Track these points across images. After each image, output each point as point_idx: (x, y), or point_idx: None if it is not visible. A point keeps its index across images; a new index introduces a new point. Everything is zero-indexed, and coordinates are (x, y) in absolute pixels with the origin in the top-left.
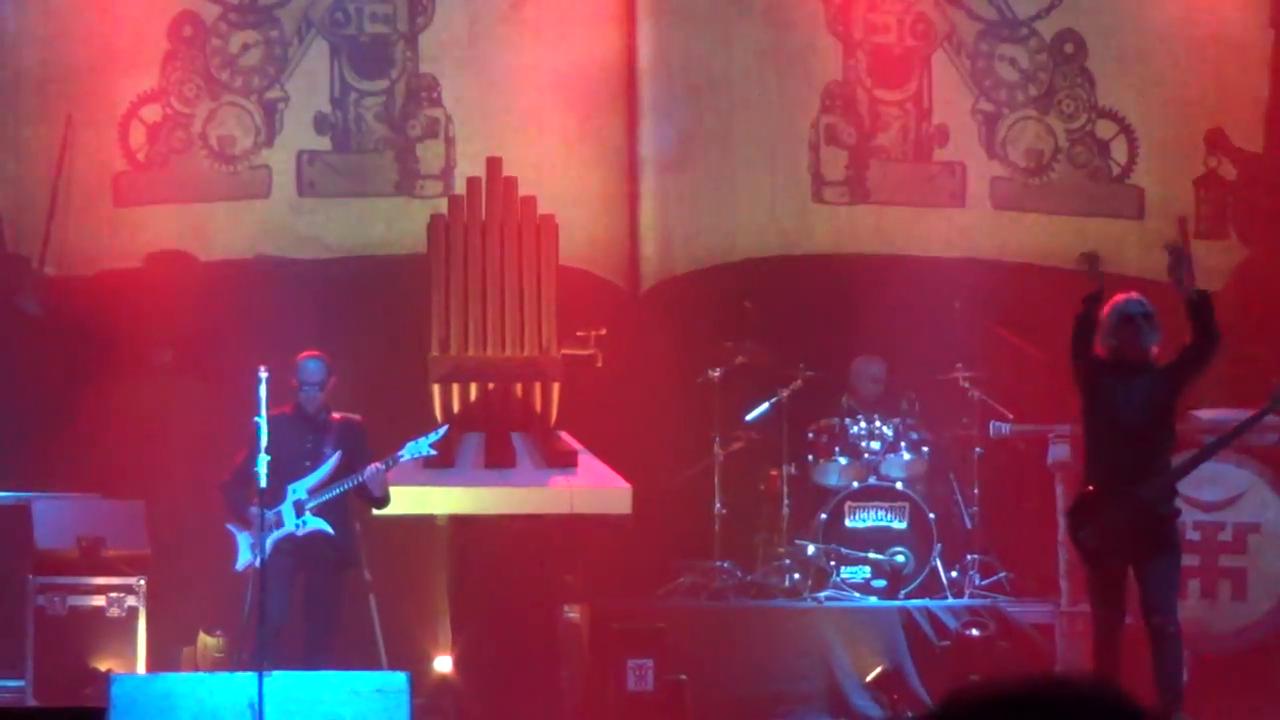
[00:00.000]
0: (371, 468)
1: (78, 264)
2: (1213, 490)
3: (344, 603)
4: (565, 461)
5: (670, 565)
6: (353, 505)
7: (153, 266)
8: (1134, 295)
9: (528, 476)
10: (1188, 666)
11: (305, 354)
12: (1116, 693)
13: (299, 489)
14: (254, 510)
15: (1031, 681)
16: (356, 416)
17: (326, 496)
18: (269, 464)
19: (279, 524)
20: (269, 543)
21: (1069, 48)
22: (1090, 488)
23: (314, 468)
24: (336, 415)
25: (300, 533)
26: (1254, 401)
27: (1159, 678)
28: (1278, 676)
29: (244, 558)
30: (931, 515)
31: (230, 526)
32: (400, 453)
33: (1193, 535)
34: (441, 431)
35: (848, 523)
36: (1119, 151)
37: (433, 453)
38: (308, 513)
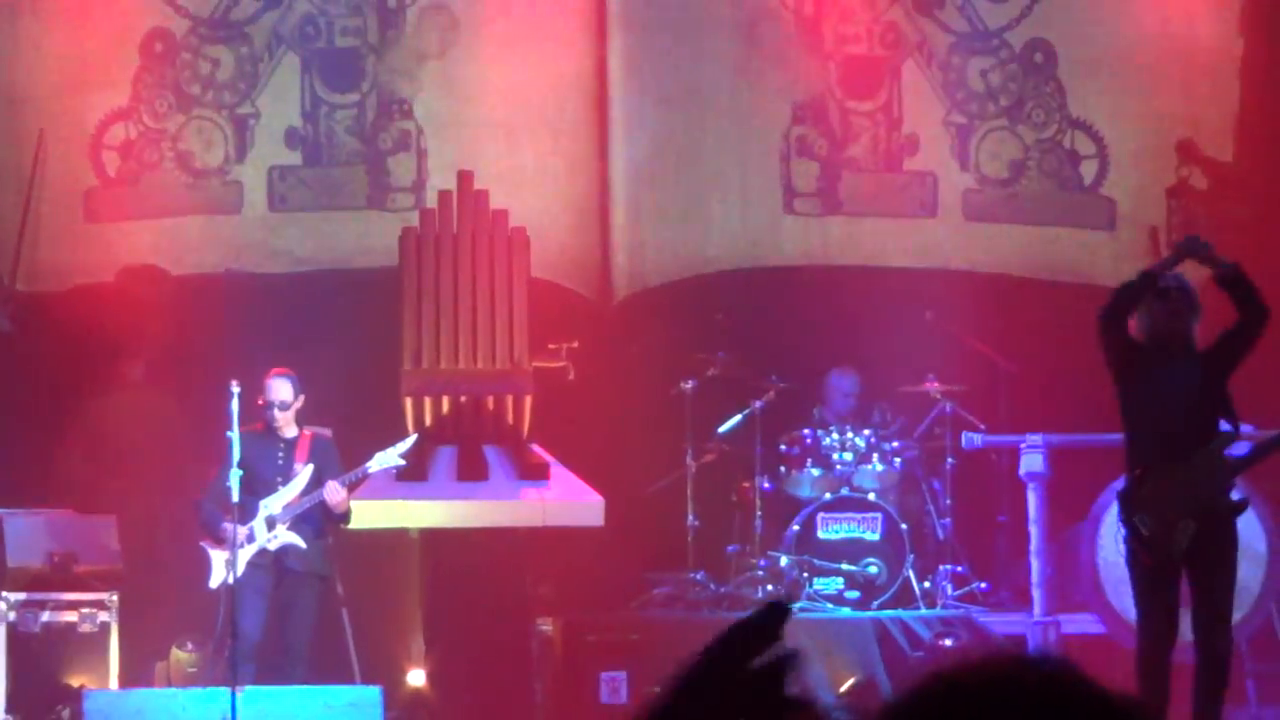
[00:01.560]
0: (329, 485)
1: (50, 280)
2: None
3: (317, 617)
4: (537, 474)
5: (643, 577)
6: (326, 520)
7: (124, 282)
8: (1174, 273)
9: (500, 489)
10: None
11: (275, 372)
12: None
13: (271, 504)
14: (227, 526)
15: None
16: (326, 431)
17: (298, 511)
18: (241, 480)
19: (251, 539)
20: (242, 559)
21: (1039, 58)
22: (1139, 471)
23: (285, 484)
24: (307, 431)
25: (272, 547)
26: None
27: (1199, 708)
28: (1242, 681)
29: (217, 574)
30: (904, 526)
31: (203, 544)
32: (369, 464)
33: None
34: (410, 441)
35: (820, 534)
36: (1090, 162)
37: (402, 463)
38: (279, 527)
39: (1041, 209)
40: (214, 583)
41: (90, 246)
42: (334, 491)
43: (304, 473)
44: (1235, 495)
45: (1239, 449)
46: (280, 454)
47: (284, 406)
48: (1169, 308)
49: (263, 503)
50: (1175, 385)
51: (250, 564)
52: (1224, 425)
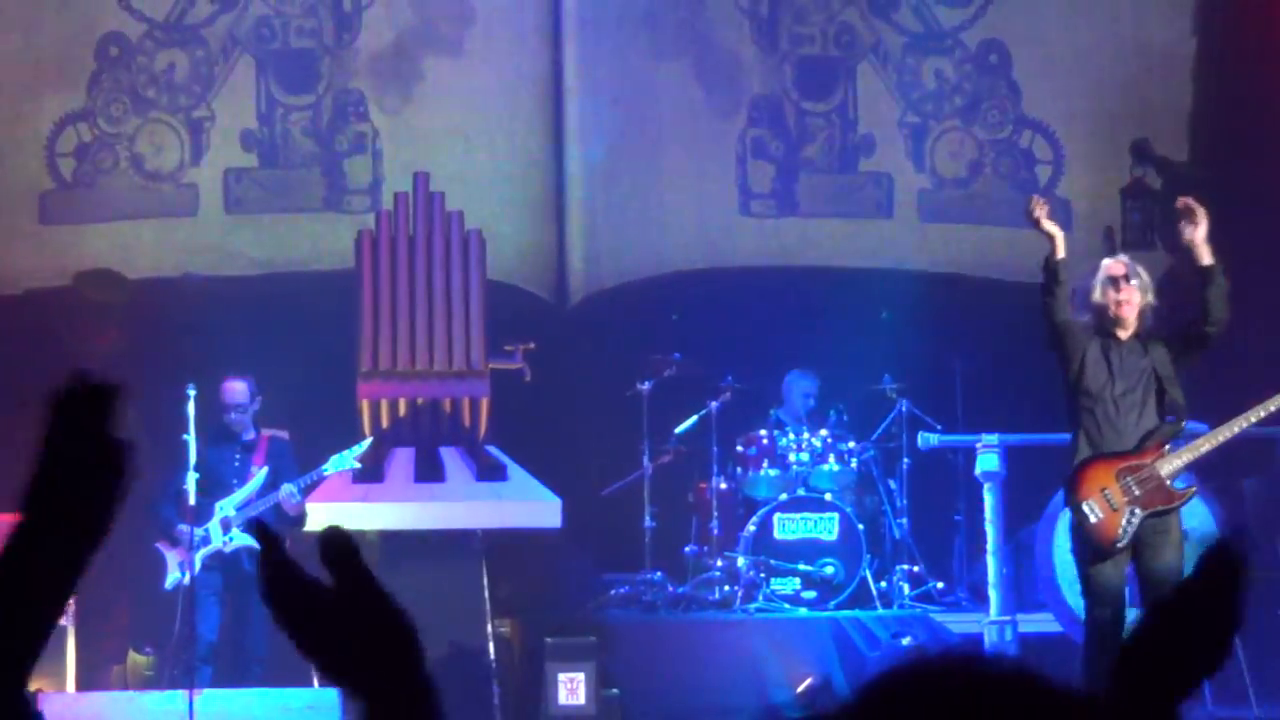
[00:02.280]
0: (285, 488)
1: (4, 283)
2: None
3: (271, 618)
4: (494, 475)
5: (601, 578)
6: (281, 522)
7: (80, 285)
8: (1121, 255)
9: (457, 491)
10: None
11: (231, 377)
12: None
13: (226, 506)
14: (182, 529)
15: (947, 676)
16: (283, 433)
17: (253, 514)
18: (198, 482)
19: (206, 541)
20: (197, 560)
21: (994, 59)
22: (1085, 457)
23: (241, 485)
24: (265, 434)
25: (227, 549)
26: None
27: None
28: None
29: (172, 576)
30: (861, 526)
31: (158, 545)
32: (324, 466)
33: None
34: (366, 444)
35: (777, 534)
36: (1044, 161)
37: (358, 465)
38: (234, 529)
39: (997, 209)
40: (169, 584)
41: (45, 249)
42: (289, 495)
43: (259, 475)
44: (1181, 484)
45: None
46: (237, 456)
47: (241, 409)
48: (1120, 293)
49: (218, 504)
50: (1123, 372)
51: (205, 566)
52: (1170, 417)
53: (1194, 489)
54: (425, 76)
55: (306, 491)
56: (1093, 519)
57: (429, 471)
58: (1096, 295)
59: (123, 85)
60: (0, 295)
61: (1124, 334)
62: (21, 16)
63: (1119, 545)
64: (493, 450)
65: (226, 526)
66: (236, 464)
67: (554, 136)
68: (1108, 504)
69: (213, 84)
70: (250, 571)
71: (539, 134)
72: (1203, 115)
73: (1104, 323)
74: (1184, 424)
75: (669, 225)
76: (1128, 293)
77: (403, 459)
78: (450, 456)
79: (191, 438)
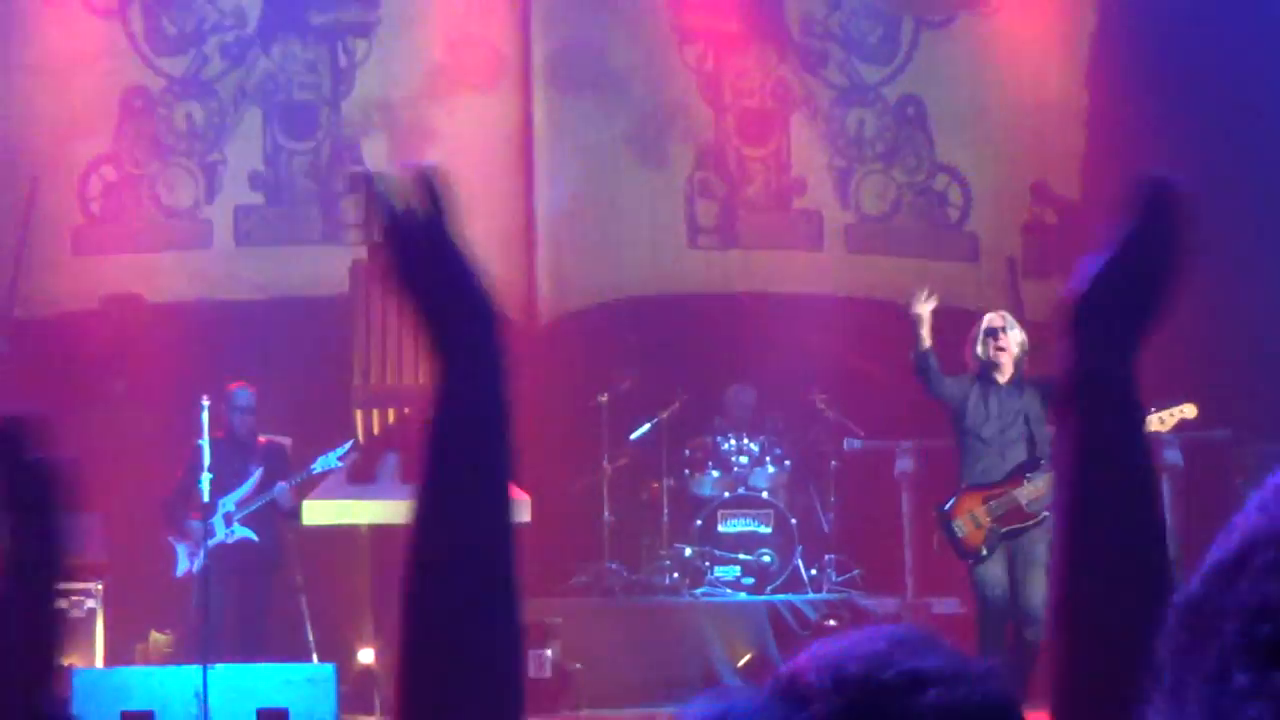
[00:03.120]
0: (279, 486)
1: (41, 306)
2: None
3: (272, 601)
4: None
5: (566, 566)
6: (276, 516)
7: (108, 308)
8: (1000, 311)
9: (387, 489)
10: None
11: (236, 384)
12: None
13: (227, 503)
14: (192, 523)
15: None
16: (282, 439)
17: (251, 509)
18: (210, 482)
19: (211, 534)
20: (204, 551)
21: (910, 110)
22: (963, 487)
23: (241, 484)
24: (263, 439)
25: (230, 541)
26: None
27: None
28: None
29: (182, 565)
30: (793, 520)
31: (170, 538)
32: (313, 466)
33: None
34: (347, 446)
35: (720, 528)
36: (955, 201)
37: (340, 465)
38: (235, 523)
39: (914, 242)
40: (179, 572)
41: (77, 277)
42: (283, 493)
43: (255, 475)
44: (1035, 507)
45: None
46: (239, 458)
47: (248, 412)
48: (998, 343)
49: (221, 501)
50: (1000, 413)
51: (212, 555)
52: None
53: (1046, 514)
54: (411, 126)
55: (298, 489)
56: (960, 534)
57: (414, 473)
58: (978, 347)
59: (145, 133)
60: (38, 318)
61: (1002, 378)
62: (57, 73)
63: (984, 556)
64: None
65: (228, 520)
66: (238, 465)
67: (525, 179)
68: (973, 524)
69: (224, 131)
70: (250, 560)
71: (512, 176)
72: (1093, 160)
73: (985, 369)
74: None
75: (626, 256)
76: (1004, 341)
77: (391, 462)
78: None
79: (206, 443)
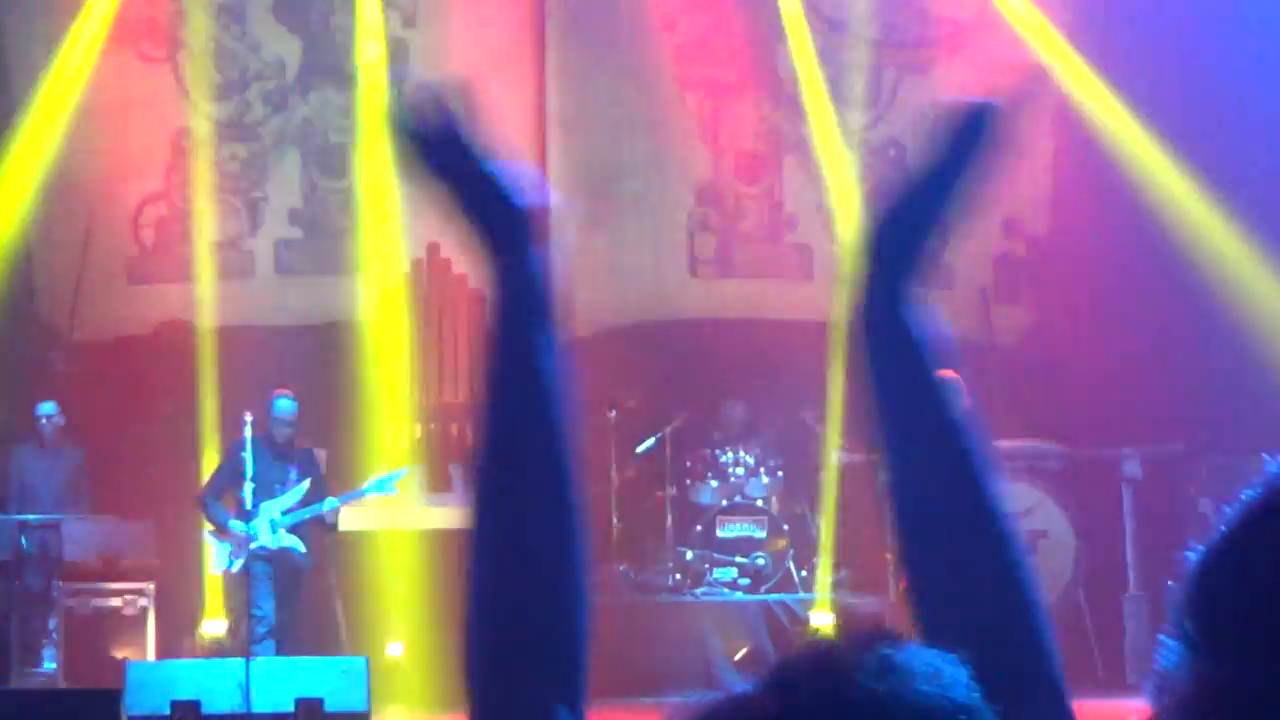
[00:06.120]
0: (329, 502)
1: (99, 331)
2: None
3: (306, 600)
4: None
5: None
6: (314, 524)
7: (159, 333)
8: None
9: (461, 498)
10: None
11: (279, 391)
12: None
13: (272, 508)
14: (234, 523)
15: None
16: (318, 449)
17: (297, 519)
18: (248, 486)
19: (254, 538)
20: (245, 553)
21: (892, 153)
22: None
23: (283, 489)
24: (300, 446)
25: (273, 545)
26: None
27: None
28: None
29: (221, 563)
30: (786, 526)
31: (209, 534)
32: (365, 487)
33: None
34: (403, 473)
35: (719, 533)
36: None
37: (395, 491)
38: (282, 531)
39: None
40: (217, 569)
41: (131, 304)
42: (331, 508)
43: (303, 484)
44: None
45: None
46: (279, 463)
47: (290, 424)
48: None
49: (262, 505)
50: None
51: (255, 556)
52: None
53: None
54: None
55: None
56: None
57: (440, 483)
58: None
59: (193, 172)
60: (96, 341)
61: None
62: (113, 117)
63: None
64: None
65: (275, 527)
66: (277, 470)
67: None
68: None
69: (266, 171)
70: (290, 563)
71: None
72: (1059, 199)
73: None
74: None
75: (632, 285)
76: None
77: (460, 472)
78: (457, 471)
79: (249, 455)
